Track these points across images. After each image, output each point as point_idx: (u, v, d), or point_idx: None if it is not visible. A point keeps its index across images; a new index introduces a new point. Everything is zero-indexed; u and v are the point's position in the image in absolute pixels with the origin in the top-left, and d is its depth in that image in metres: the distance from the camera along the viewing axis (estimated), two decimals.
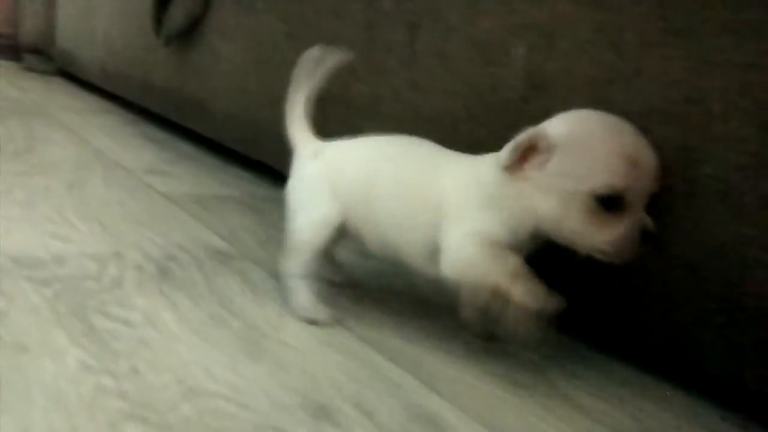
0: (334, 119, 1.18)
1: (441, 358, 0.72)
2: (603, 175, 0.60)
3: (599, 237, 0.61)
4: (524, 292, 0.64)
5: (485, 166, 0.68)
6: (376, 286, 0.92)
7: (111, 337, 0.66)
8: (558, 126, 0.63)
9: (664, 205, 0.66)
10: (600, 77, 0.74)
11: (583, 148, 0.61)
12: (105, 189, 1.23)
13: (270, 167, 1.38)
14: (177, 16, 1.69)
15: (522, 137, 0.62)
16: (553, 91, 0.80)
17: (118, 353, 0.63)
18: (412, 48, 1.01)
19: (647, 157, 0.61)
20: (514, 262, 0.66)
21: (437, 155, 0.75)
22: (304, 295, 0.78)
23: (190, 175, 1.44)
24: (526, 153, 0.63)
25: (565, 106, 0.67)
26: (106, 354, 0.63)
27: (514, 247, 0.67)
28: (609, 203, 0.60)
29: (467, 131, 0.91)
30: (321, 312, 0.77)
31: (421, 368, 0.69)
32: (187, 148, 1.73)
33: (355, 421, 0.58)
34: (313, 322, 0.76)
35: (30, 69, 3.06)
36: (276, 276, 0.85)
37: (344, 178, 0.77)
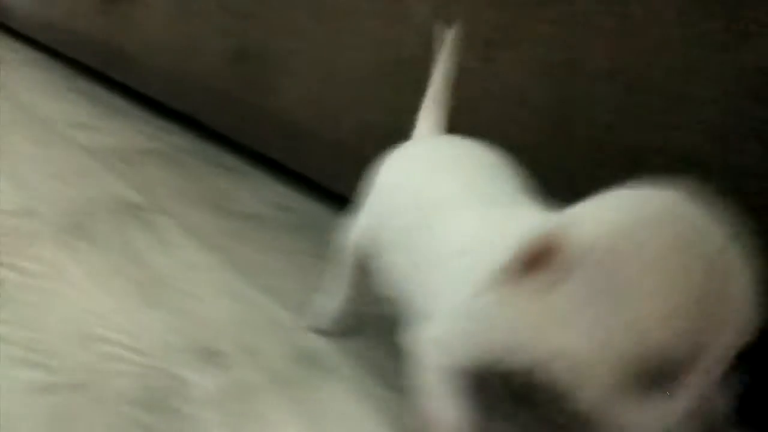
0: (251, 77, 1.20)
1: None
2: (653, 332, 0.36)
3: (631, 417, 0.39)
4: None
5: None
6: (288, 239, 0.96)
7: (14, 288, 0.69)
8: (594, 226, 0.39)
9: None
10: (493, 38, 0.77)
11: (627, 277, 0.37)
12: (25, 143, 1.23)
13: (197, 120, 1.39)
14: None
15: (533, 239, 0.40)
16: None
17: (18, 303, 0.66)
18: (324, 4, 1.02)
19: (736, 299, 0.37)
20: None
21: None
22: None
23: (116, 129, 1.44)
24: (537, 259, 0.40)
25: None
26: (6, 303, 0.65)
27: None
28: (657, 374, 0.37)
29: (375, 89, 0.94)
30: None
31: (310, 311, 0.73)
32: (118, 101, 1.72)
33: (240, 363, 0.62)
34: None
35: None
36: (187, 227, 0.88)
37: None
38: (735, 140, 0.57)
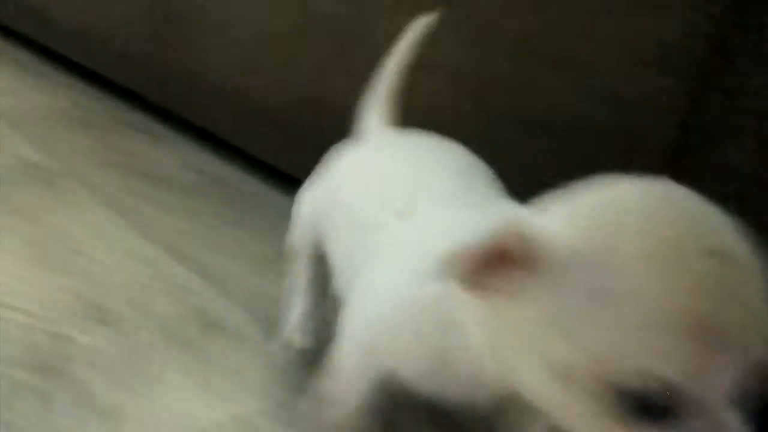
0: (170, 36, 1.17)
1: (240, 268, 0.76)
2: (641, 355, 0.29)
3: None
4: None
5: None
6: (197, 201, 0.94)
7: None
8: (574, 221, 0.32)
9: None
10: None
11: (612, 286, 0.29)
12: None
13: (109, 79, 1.34)
14: None
15: (493, 231, 0.32)
16: None
17: None
18: None
19: (746, 318, 0.29)
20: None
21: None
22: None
23: (23, 87, 1.38)
24: (499, 259, 0.32)
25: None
26: None
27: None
28: (648, 406, 0.29)
29: (296, 47, 0.93)
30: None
31: (222, 279, 0.73)
32: (27, 58, 1.64)
33: (133, 322, 0.61)
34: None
35: None
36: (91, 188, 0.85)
37: None
38: (631, 107, 0.59)
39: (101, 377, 0.54)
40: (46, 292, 0.63)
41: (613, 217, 0.31)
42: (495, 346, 0.35)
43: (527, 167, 0.63)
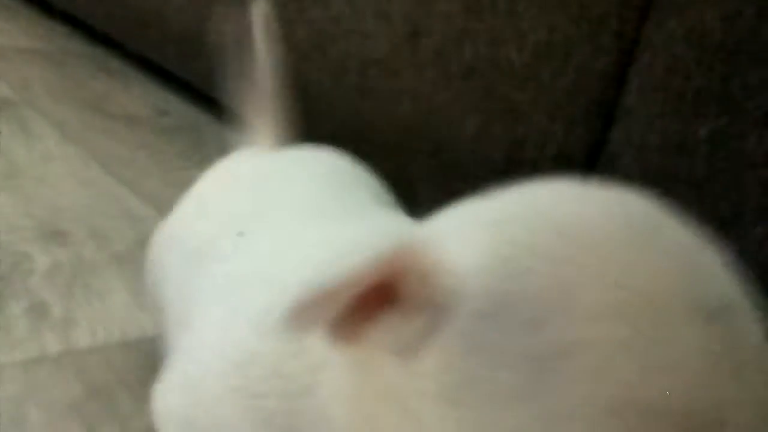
0: None
1: None
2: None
3: None
4: None
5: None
6: (159, 141, 0.99)
7: None
8: (496, 250, 0.21)
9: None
10: None
11: (553, 355, 0.19)
12: None
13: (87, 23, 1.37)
14: None
15: (373, 259, 0.21)
16: None
17: None
18: None
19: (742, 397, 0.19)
20: None
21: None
22: None
23: (2, 27, 1.40)
24: (380, 296, 0.22)
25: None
26: None
27: None
28: None
29: None
30: None
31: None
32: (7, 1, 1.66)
33: (84, 243, 0.66)
34: None
35: None
36: (55, 123, 0.89)
37: None
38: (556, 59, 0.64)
39: (57, 292, 0.59)
40: (9, 217, 0.68)
41: (558, 248, 0.20)
42: (362, 421, 0.25)
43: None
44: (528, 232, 0.21)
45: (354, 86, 0.81)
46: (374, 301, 0.22)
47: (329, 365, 0.26)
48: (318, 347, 0.26)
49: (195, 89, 1.12)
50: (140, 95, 1.16)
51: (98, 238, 0.68)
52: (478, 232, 0.22)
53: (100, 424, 0.45)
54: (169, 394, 0.33)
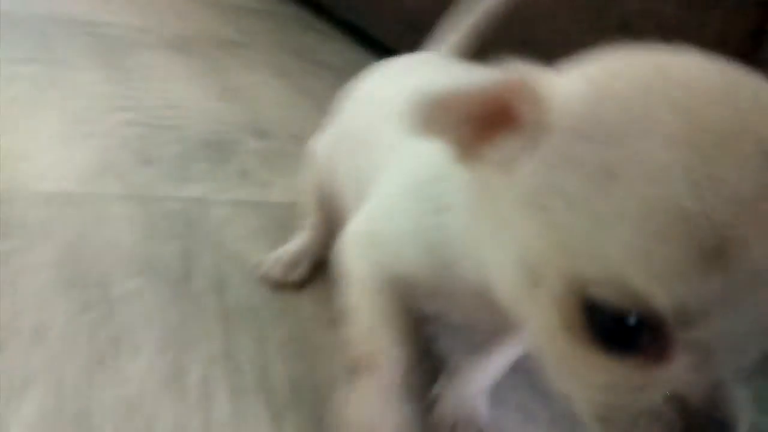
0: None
1: None
2: (629, 263, 0.22)
3: (586, 388, 0.25)
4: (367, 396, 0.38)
5: None
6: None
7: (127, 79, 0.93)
8: (597, 83, 0.25)
9: None
10: None
11: (623, 169, 0.22)
12: None
13: None
14: None
15: (494, 80, 0.25)
16: None
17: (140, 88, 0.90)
18: None
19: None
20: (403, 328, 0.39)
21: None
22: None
23: None
24: (497, 119, 0.26)
25: None
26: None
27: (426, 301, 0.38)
28: (623, 331, 0.23)
29: None
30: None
31: None
32: None
33: (283, 139, 0.83)
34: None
35: None
36: (268, 61, 1.09)
37: None
38: None
39: (259, 164, 0.75)
40: (229, 118, 0.87)
41: (649, 84, 0.23)
42: (475, 231, 0.29)
43: None
44: (628, 67, 0.24)
45: (518, 37, 0.91)
46: (492, 125, 0.25)
47: (460, 185, 0.31)
48: (454, 169, 0.29)
49: (381, 46, 1.28)
50: (338, 49, 1.34)
51: (292, 137, 0.84)
52: (585, 67, 0.26)
53: (281, 243, 0.60)
54: (356, 222, 0.41)
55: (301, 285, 0.57)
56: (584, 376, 0.24)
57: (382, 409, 0.37)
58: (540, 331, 0.25)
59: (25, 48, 0.90)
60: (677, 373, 0.22)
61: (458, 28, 0.58)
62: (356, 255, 0.40)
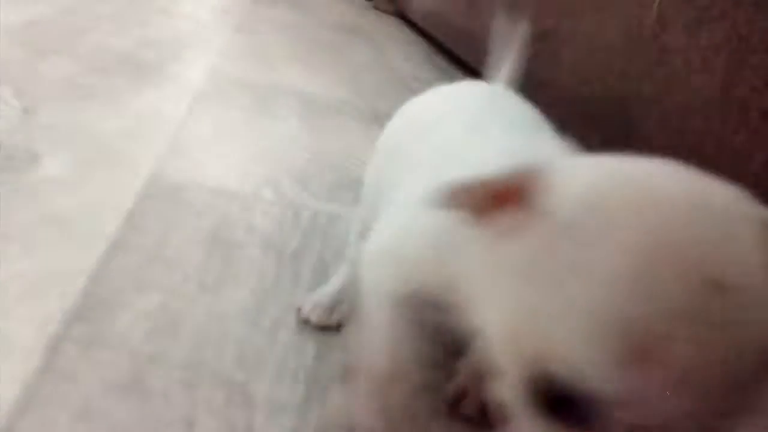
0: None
1: None
2: (570, 347, 0.25)
3: None
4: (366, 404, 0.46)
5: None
6: None
7: None
8: (589, 184, 0.28)
9: None
10: None
11: (588, 265, 0.26)
12: None
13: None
14: None
15: (508, 171, 0.30)
16: None
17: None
18: None
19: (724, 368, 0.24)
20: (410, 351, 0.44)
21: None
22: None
23: None
24: (507, 196, 0.30)
25: None
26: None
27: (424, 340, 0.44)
28: (564, 408, 0.26)
29: (619, 59, 1.20)
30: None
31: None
32: None
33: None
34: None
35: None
36: None
37: None
38: None
39: None
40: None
41: (620, 196, 0.26)
42: (474, 284, 0.33)
43: None
44: (615, 181, 0.28)
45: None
46: (505, 198, 0.29)
47: (467, 237, 0.33)
48: (461, 231, 0.33)
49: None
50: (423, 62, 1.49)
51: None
52: (584, 170, 0.29)
53: None
54: (377, 238, 0.44)
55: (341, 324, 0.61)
56: None
57: (376, 416, 0.45)
58: (496, 392, 0.30)
59: (242, 101, 1.19)
60: None
61: (509, 58, 0.64)
62: (375, 272, 0.43)
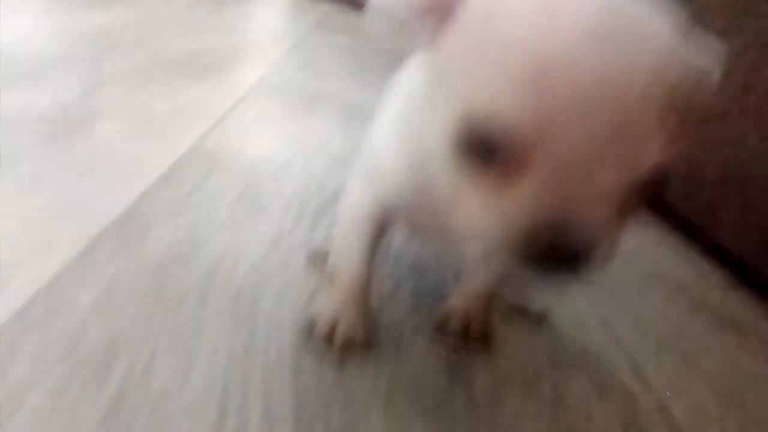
0: None
1: None
2: (485, 90, 0.28)
3: (468, 208, 0.31)
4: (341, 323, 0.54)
5: None
6: None
7: None
8: None
9: None
10: None
11: (497, 28, 0.29)
12: None
13: None
14: None
15: None
16: None
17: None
18: None
19: (614, 66, 0.26)
20: (363, 265, 0.52)
21: None
22: None
23: None
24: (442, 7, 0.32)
25: None
26: None
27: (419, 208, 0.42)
28: (485, 149, 0.28)
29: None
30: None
31: None
32: None
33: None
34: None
35: None
36: None
37: None
38: None
39: None
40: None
41: None
42: (421, 115, 0.35)
43: None
44: None
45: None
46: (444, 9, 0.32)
47: (432, 110, 0.34)
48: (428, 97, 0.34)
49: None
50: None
51: None
52: None
53: None
54: (360, 162, 0.50)
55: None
56: (469, 202, 0.30)
57: (344, 307, 0.52)
58: (440, 169, 0.32)
59: (287, 100, 1.26)
60: (532, 185, 0.27)
61: None
62: (358, 188, 0.49)
